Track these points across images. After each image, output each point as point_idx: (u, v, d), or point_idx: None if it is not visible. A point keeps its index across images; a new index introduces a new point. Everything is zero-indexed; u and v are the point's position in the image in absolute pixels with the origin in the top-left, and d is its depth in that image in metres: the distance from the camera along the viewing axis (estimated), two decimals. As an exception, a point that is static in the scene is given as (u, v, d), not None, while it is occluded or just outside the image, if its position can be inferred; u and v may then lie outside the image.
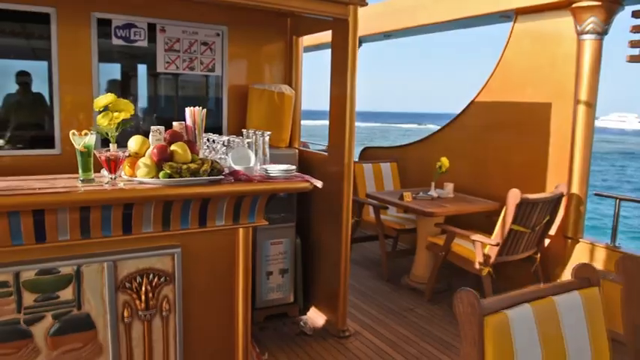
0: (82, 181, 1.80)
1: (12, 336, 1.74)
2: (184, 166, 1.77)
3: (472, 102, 4.28)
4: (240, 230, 2.08)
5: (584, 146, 3.46)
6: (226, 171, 1.94)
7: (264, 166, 2.03)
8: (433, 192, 3.99)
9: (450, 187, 4.06)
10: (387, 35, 5.34)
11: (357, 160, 5.29)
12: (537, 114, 3.76)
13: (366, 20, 5.36)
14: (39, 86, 3.00)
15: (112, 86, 3.25)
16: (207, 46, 3.23)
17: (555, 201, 3.37)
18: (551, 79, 3.65)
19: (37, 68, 3.01)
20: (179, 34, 3.13)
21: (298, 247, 3.34)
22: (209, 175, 1.84)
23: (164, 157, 1.77)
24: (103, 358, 1.89)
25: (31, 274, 1.74)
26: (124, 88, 3.33)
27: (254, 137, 2.10)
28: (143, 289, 1.92)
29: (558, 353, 1.41)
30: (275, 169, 2.00)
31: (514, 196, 3.06)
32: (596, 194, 3.87)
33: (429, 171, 4.07)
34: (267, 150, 2.13)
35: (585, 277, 1.57)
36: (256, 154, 2.07)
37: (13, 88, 3.07)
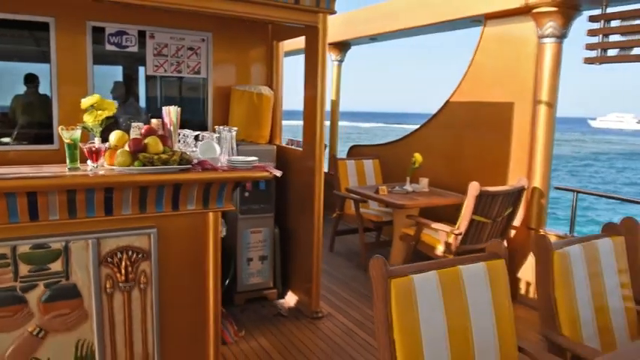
0: (69, 169, 2.10)
1: (9, 301, 2.03)
2: (156, 157, 2.06)
3: (447, 102, 4.52)
4: (210, 214, 2.36)
5: (545, 143, 3.68)
6: (195, 161, 2.23)
7: (229, 157, 2.31)
8: (408, 186, 4.24)
9: (424, 181, 4.31)
10: (373, 38, 5.60)
11: (344, 157, 5.57)
12: (505, 113, 3.99)
13: (354, 24, 5.67)
14: (44, 88, 3.33)
15: (117, 87, 3.59)
16: (193, 50, 3.53)
17: (516, 194, 3.60)
18: (516, 79, 3.89)
19: (40, 70, 3.33)
20: (167, 40, 3.43)
21: (277, 236, 3.62)
22: (179, 164, 2.13)
23: (139, 149, 2.06)
24: (88, 324, 2.19)
25: (25, 248, 2.03)
26: (120, 89, 3.66)
27: (222, 132, 2.38)
28: (123, 264, 2.21)
29: (460, 314, 1.67)
30: (238, 159, 2.29)
31: (473, 188, 3.31)
32: (556, 188, 4.09)
33: (408, 167, 4.32)
34: (234, 143, 2.41)
35: (494, 251, 1.82)
36: (223, 147, 2.35)
37: (22, 89, 3.41)
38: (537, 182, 3.71)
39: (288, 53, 6.69)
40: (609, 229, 2.21)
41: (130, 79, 3.73)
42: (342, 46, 6.08)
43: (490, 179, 3.92)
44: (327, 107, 6.33)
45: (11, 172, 2.02)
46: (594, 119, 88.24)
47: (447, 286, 1.66)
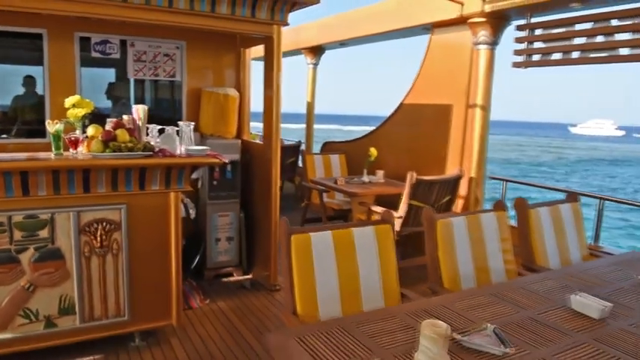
0: (55, 155, 2.60)
1: (6, 260, 2.54)
2: (123, 145, 2.56)
3: (402, 103, 5.02)
4: (172, 194, 2.86)
5: (480, 138, 4.17)
6: (157, 149, 2.72)
7: (187, 147, 2.80)
8: (365, 177, 4.73)
9: (380, 173, 4.80)
10: (343, 44, 6.09)
11: (312, 152, 6.06)
12: (447, 112, 4.48)
13: (326, 30, 6.16)
14: (39, 88, 3.83)
15: (110, 89, 4.11)
16: (169, 57, 4.03)
17: (453, 182, 4.08)
18: (458, 81, 4.37)
19: (36, 72, 3.84)
20: (145, 48, 3.94)
21: (242, 220, 4.11)
22: (142, 152, 2.63)
23: (109, 138, 2.56)
24: (70, 281, 2.69)
25: (19, 218, 2.54)
26: (107, 90, 4.17)
27: (182, 127, 2.88)
28: (99, 233, 2.71)
29: (350, 265, 2.16)
30: (194, 149, 2.78)
31: (410, 177, 3.80)
32: (491, 177, 4.57)
33: (365, 160, 4.81)
34: (192, 135, 2.90)
35: (384, 219, 2.31)
36: (183, 139, 2.85)
37: (21, 90, 3.91)
38: (473, 173, 4.19)
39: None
40: (496, 206, 2.70)
41: (122, 82, 4.24)
42: (317, 50, 6.57)
43: (436, 170, 4.41)
44: (303, 109, 6.84)
45: (8, 156, 2.52)
46: (575, 126, 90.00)
47: (339, 242, 2.15)
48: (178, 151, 2.78)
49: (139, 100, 4.23)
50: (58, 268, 2.66)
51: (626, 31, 3.34)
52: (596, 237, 3.78)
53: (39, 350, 2.66)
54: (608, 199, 3.84)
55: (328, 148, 6.28)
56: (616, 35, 3.41)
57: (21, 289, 2.59)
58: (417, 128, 4.85)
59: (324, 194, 4.86)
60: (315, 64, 6.65)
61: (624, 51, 3.36)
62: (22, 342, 2.62)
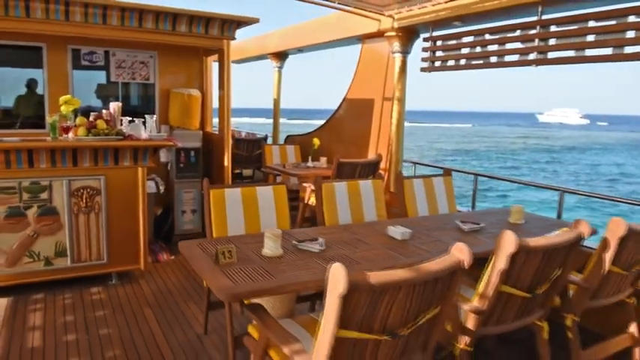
0: (52, 138, 3.57)
1: (16, 214, 3.51)
2: (101, 131, 3.53)
3: (344, 99, 5.99)
4: (139, 169, 3.83)
5: (397, 127, 5.14)
6: (127, 135, 3.70)
7: (150, 134, 3.78)
8: (310, 163, 5.71)
9: (323, 160, 5.78)
10: (300, 50, 7.06)
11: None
12: (377, 107, 5.45)
13: (287, 38, 7.13)
14: (40, 89, 4.81)
15: (99, 90, 5.07)
16: (144, 64, 5.00)
17: (373, 164, 5.06)
18: (380, 82, 5.34)
19: (37, 75, 4.80)
20: (125, 57, 4.91)
21: (203, 195, 5.08)
22: (115, 136, 3.60)
23: (91, 127, 3.53)
24: (63, 232, 3.66)
25: (26, 183, 3.51)
26: (97, 90, 5.15)
27: (147, 118, 3.85)
28: (84, 196, 3.69)
29: (253, 212, 3.11)
30: (154, 135, 3.76)
31: (335, 160, 4.77)
32: (404, 161, 5.56)
33: (319, 149, 5.78)
34: (155, 125, 3.88)
35: (281, 183, 3.28)
36: (147, 128, 3.82)
37: (24, 90, 4.88)
38: (393, 158, 5.17)
39: (242, 61, 8.18)
40: (376, 177, 3.66)
41: (110, 84, 5.20)
42: (281, 55, 7.54)
43: (366, 155, 5.38)
44: (268, 105, 7.77)
45: (17, 139, 3.50)
46: (542, 114, 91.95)
47: (246, 196, 3.12)
48: (143, 136, 3.75)
49: (124, 98, 5.21)
50: (55, 222, 3.64)
51: (493, 44, 4.31)
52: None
53: (40, 283, 3.64)
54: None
55: (290, 140, 7.26)
56: (489, 47, 4.38)
57: (27, 236, 3.57)
58: (354, 120, 5.83)
59: (279, 177, 5.83)
60: (280, 67, 7.62)
61: (493, 59, 4.33)
62: (28, 276, 3.60)
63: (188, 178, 4.97)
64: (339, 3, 4.40)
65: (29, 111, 4.86)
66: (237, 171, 7.17)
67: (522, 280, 2.13)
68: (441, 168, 4.85)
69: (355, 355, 1.68)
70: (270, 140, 7.76)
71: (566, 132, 67.79)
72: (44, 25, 3.85)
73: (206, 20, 4.38)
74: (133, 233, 3.91)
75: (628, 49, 3.24)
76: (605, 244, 2.41)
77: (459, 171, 4.69)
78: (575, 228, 2.25)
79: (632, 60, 3.17)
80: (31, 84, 4.80)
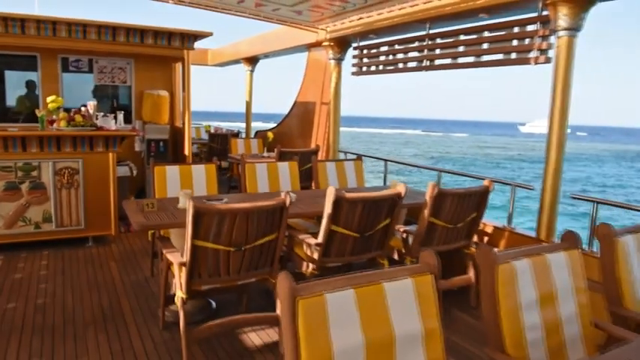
0: (40, 129, 4.59)
1: (13, 188, 4.52)
2: (78, 123, 4.54)
3: (295, 101, 6.96)
4: (110, 154, 4.83)
5: (333, 123, 6.08)
6: (100, 126, 4.70)
7: (117, 126, 4.78)
8: (265, 153, 6.68)
9: (276, 150, 6.74)
10: (266, 55, 8.04)
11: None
12: (320, 107, 6.40)
13: (255, 45, 8.10)
14: (37, 90, 5.84)
15: (93, 90, 6.09)
16: (122, 69, 6.01)
17: (311, 153, 6.00)
18: (321, 85, 6.29)
19: (33, 77, 5.84)
20: (106, 64, 5.93)
21: (171, 178, 6.08)
22: (89, 127, 4.61)
23: (71, 120, 4.54)
24: (49, 202, 4.67)
25: (20, 164, 4.52)
26: (82, 91, 6.17)
27: (117, 114, 4.85)
28: (66, 175, 4.70)
29: (188, 186, 4.09)
30: (122, 127, 4.75)
31: (277, 148, 5.73)
32: (345, 152, 6.49)
33: (273, 142, 6.75)
34: (122, 118, 4.87)
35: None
36: (117, 121, 4.82)
37: (24, 90, 5.92)
38: (330, 147, 6.12)
39: (222, 64, 9.19)
40: (312, 163, 4.63)
41: (94, 86, 6.21)
42: (252, 60, 8.52)
43: (310, 146, 6.34)
44: (241, 108, 8.77)
45: (14, 128, 4.52)
46: (523, 124, 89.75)
47: (183, 171, 4.09)
48: (113, 128, 4.76)
49: (106, 97, 6.24)
50: (42, 194, 4.65)
51: (399, 53, 5.23)
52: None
53: (31, 243, 4.65)
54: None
55: (260, 135, 8.24)
56: (398, 55, 5.31)
57: (21, 205, 4.59)
58: (303, 118, 6.80)
59: (240, 166, 6.81)
60: (252, 71, 8.59)
61: (400, 65, 5.26)
62: (21, 237, 4.61)
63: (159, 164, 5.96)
64: (277, 20, 5.36)
65: (29, 108, 5.89)
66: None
67: (350, 224, 3.07)
68: (364, 156, 5.81)
69: (214, 259, 2.65)
70: (244, 135, 8.76)
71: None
72: (37, 40, 4.88)
73: (169, 34, 5.38)
74: (106, 205, 4.91)
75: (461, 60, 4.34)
76: (425, 203, 3.34)
77: (369, 156, 5.65)
78: (393, 188, 3.19)
79: (465, 68, 4.15)
80: (30, 85, 5.83)
